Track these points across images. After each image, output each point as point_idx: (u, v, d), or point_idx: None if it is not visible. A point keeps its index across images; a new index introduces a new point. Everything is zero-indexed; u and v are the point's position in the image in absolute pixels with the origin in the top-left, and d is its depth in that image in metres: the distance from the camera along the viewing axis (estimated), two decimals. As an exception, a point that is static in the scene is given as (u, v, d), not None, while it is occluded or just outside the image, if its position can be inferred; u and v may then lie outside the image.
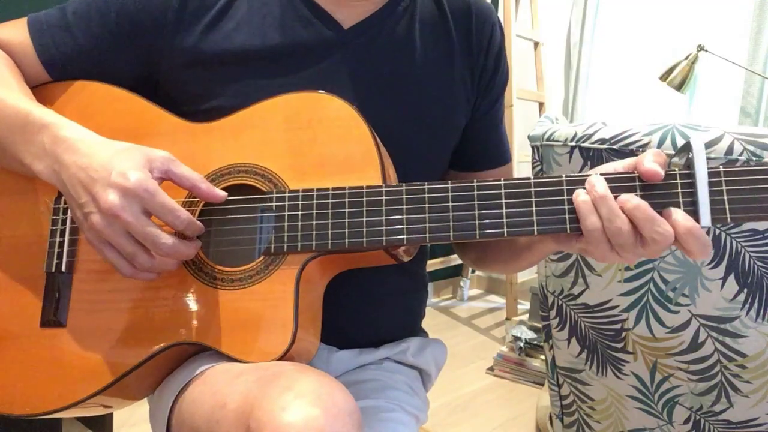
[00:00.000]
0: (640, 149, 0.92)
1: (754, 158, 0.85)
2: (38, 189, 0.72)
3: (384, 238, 0.62)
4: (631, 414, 1.09)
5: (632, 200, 0.56)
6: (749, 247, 0.89)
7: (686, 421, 1.03)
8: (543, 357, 2.20)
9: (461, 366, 2.31)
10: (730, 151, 0.86)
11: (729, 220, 0.55)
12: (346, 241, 0.62)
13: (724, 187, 0.55)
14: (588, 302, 1.06)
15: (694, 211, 0.55)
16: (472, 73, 0.82)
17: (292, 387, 0.51)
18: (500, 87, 0.85)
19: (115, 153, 0.62)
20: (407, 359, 0.84)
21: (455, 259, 3.08)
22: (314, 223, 0.63)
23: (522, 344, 2.23)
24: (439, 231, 0.61)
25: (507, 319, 2.74)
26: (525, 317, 2.42)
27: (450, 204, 0.61)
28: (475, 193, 0.61)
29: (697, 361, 0.98)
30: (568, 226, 0.58)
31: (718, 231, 0.91)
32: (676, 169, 0.58)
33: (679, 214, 0.55)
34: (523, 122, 2.82)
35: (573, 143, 0.99)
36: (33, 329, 0.68)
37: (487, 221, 0.60)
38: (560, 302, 1.10)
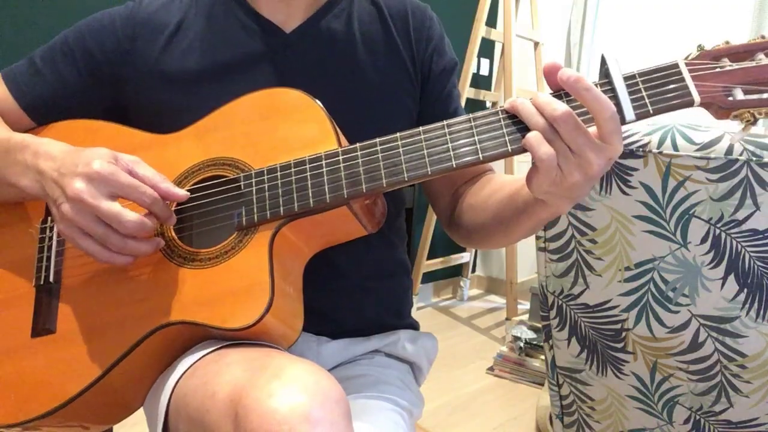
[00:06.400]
0: (641, 149, 0.92)
1: (753, 158, 0.85)
2: (24, 219, 0.77)
3: (345, 191, 0.66)
4: (631, 414, 1.09)
5: (540, 96, 0.60)
6: (749, 247, 0.89)
7: (686, 421, 1.03)
8: (543, 357, 2.20)
9: (461, 366, 2.31)
10: (729, 151, 0.86)
11: (651, 112, 0.61)
12: (311, 200, 0.66)
13: (641, 86, 0.61)
14: (588, 302, 1.06)
15: (618, 111, 0.60)
16: (414, 62, 0.86)
17: (279, 375, 0.52)
18: (447, 73, 0.89)
19: (84, 151, 0.66)
20: (398, 352, 0.85)
21: (455, 259, 3.09)
22: (280, 191, 0.68)
23: (522, 344, 2.23)
24: (394, 175, 0.65)
25: (507, 319, 2.74)
26: (525, 317, 2.43)
27: (401, 149, 0.66)
28: (422, 136, 0.66)
29: (697, 361, 0.98)
30: (509, 147, 0.63)
31: (718, 231, 0.91)
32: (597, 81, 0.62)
33: None
34: (523, 122, 2.81)
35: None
36: (25, 341, 0.70)
37: (436, 157, 0.65)
38: (560, 302, 1.10)
